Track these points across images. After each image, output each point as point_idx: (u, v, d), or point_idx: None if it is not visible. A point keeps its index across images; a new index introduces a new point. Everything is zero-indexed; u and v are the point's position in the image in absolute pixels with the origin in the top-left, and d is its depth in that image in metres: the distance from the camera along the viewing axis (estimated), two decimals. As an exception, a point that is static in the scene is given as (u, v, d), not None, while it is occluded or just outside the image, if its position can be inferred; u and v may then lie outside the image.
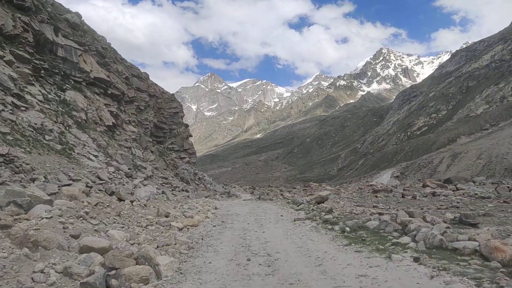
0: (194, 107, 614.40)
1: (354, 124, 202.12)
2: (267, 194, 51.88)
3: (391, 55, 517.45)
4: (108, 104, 30.19)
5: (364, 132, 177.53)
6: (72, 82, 28.32)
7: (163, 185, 27.54)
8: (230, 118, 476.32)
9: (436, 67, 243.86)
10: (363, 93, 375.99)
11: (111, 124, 27.99)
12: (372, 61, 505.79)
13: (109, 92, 32.07)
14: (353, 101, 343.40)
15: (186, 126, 57.42)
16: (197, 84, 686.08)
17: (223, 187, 48.75)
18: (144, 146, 33.24)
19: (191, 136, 57.70)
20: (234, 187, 68.50)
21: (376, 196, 28.82)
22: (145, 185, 21.14)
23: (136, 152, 29.97)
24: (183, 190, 28.54)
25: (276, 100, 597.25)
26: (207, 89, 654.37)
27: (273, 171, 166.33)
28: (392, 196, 29.04)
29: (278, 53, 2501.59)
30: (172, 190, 27.60)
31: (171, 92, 57.10)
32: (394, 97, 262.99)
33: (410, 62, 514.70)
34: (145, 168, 27.41)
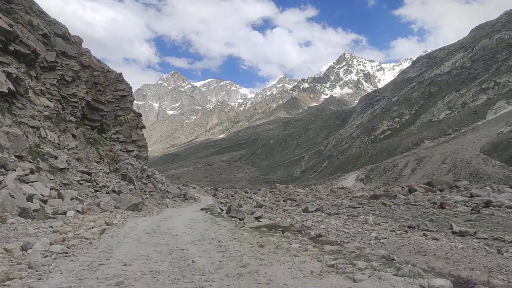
0: (156, 105, 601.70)
1: (317, 127, 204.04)
2: (232, 196, 44.35)
3: (354, 60, 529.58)
4: (5, 64, 20.84)
5: (328, 135, 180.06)
6: None
7: (80, 183, 19.00)
8: (193, 118, 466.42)
9: (398, 74, 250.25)
10: (326, 96, 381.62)
11: (6, 91, 18.68)
12: (335, 66, 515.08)
13: (11, 48, 22.61)
14: (316, 104, 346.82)
15: (138, 115, 48.34)
16: (159, 82, 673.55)
17: (178, 187, 40.24)
18: (62, 128, 24.07)
19: (143, 127, 48.76)
20: (194, 187, 60.09)
21: (385, 204, 21.76)
22: (27, 183, 12.72)
23: (47, 135, 20.90)
24: (114, 192, 20.00)
25: (240, 101, 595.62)
26: (170, 88, 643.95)
27: (236, 172, 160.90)
28: (406, 205, 21.29)
29: (242, 54, 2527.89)
30: (95, 191, 19.08)
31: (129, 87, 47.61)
32: (356, 101, 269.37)
33: (371, 68, 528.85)
34: (56, 158, 18.62)
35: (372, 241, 9.93)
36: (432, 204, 20.10)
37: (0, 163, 12.90)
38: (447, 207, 18.40)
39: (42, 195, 12.35)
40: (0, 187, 10.67)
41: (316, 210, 18.61)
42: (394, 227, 12.40)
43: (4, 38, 21.59)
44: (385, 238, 10.14)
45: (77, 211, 11.74)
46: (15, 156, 14.70)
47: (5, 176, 12.14)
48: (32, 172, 13.90)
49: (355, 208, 20.51)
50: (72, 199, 13.85)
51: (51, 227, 8.72)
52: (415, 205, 20.80)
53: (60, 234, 7.74)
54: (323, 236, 8.94)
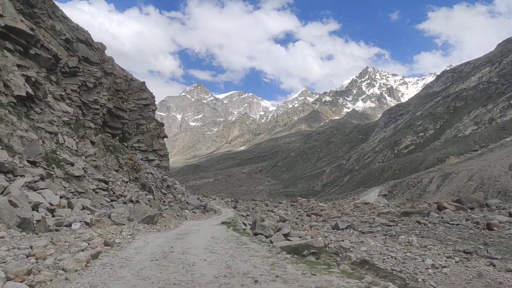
0: (179, 116, 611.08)
1: (339, 140, 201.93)
2: (253, 209, 43.00)
3: (377, 74, 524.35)
4: (25, 67, 20.35)
5: (350, 149, 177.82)
6: (-36, 26, 18.75)
7: (96, 192, 18.15)
8: (215, 129, 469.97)
9: (421, 88, 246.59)
10: (348, 110, 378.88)
11: (24, 95, 18.10)
12: (358, 79, 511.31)
13: (32, 52, 22.19)
14: (338, 117, 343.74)
15: (161, 124, 47.88)
16: (183, 94, 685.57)
17: (198, 198, 39.27)
18: (80, 134, 23.41)
19: (165, 136, 48.25)
20: (215, 199, 59.19)
21: (419, 223, 19.92)
22: (35, 190, 11.80)
23: (65, 141, 20.20)
24: (131, 201, 19.07)
25: (262, 113, 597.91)
26: (193, 99, 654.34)
27: (256, 184, 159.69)
28: (443, 224, 19.31)
29: (264, 67, 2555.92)
30: (111, 201, 18.16)
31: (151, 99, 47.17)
32: (379, 115, 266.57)
33: (395, 82, 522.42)
34: (72, 164, 17.86)
35: (429, 270, 8.21)
36: (474, 224, 18.13)
37: (8, 168, 12.09)
38: (495, 228, 16.36)
39: (50, 203, 11.36)
40: (3, 194, 9.79)
41: (347, 228, 17.09)
42: (448, 251, 10.69)
43: (25, 42, 21.24)
44: (445, 267, 8.42)
45: (85, 222, 10.50)
46: (28, 161, 13.93)
47: (12, 182, 11.33)
48: (42, 178, 13.03)
49: (390, 226, 18.72)
50: (83, 208, 12.78)
51: (31, 247, 6.82)
52: (454, 224, 18.87)
53: (36, 259, 5.98)
54: (369, 261, 7.46)
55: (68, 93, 25.14)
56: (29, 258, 6.15)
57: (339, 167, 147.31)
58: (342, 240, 12.04)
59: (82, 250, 7.05)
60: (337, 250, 9.29)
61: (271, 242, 9.69)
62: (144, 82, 45.47)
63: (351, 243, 11.45)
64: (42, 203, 10.96)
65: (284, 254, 7.28)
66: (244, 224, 14.34)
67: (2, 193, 9.98)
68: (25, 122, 17.33)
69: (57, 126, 20.31)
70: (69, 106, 23.83)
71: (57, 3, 29.90)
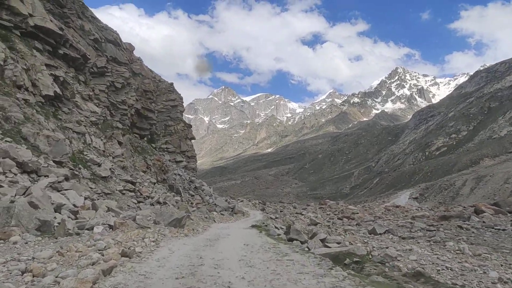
0: (206, 119, 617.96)
1: (368, 142, 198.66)
2: (281, 211, 42.20)
3: (407, 75, 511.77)
4: (53, 67, 20.28)
5: (379, 151, 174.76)
6: (-5, 26, 18.83)
7: (123, 193, 17.77)
8: (242, 131, 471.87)
9: (454, 88, 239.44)
10: (377, 111, 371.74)
11: (52, 94, 18.01)
12: (387, 80, 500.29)
13: (60, 52, 22.20)
14: (366, 119, 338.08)
15: (188, 126, 47.70)
16: (210, 96, 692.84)
17: (226, 200, 38.78)
18: (108, 135, 23.26)
19: (193, 138, 47.99)
20: (242, 201, 58.64)
21: (461, 227, 18.41)
22: (59, 191, 11.33)
23: (92, 141, 20.08)
24: (158, 203, 18.63)
25: (289, 115, 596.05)
26: (220, 102, 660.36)
27: (283, 186, 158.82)
28: (488, 229, 17.66)
29: (291, 69, 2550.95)
30: (138, 202, 17.76)
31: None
32: (409, 116, 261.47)
33: (425, 83, 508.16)
34: (99, 165, 17.60)
35: (498, 286, 7.03)
36: (527, 231, 16.63)
37: (32, 168, 11.74)
38: None
39: (74, 205, 10.86)
40: (25, 195, 9.36)
41: (385, 232, 15.92)
42: (510, 261, 9.48)
43: (54, 42, 21.27)
44: (517, 282, 7.31)
45: (109, 225, 9.80)
46: (54, 161, 13.63)
47: (35, 182, 10.96)
48: (66, 179, 12.62)
49: (431, 231, 17.31)
50: (107, 210, 12.18)
51: (34, 258, 5.58)
52: (500, 229, 17.35)
53: (33, 276, 4.73)
54: (424, 274, 6.41)
55: (96, 93, 25.16)
56: (24, 275, 4.93)
57: (368, 169, 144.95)
58: (387, 247, 10.87)
59: (93, 264, 5.77)
60: (382, 259, 8.25)
61: (308, 249, 8.67)
62: (172, 83, 45.44)
63: (397, 250, 10.28)
64: (65, 204, 10.44)
65: (340, 270, 5.92)
66: (277, 228, 13.29)
67: (24, 194, 9.58)
68: (53, 122, 17.21)
69: (84, 126, 20.18)
70: (97, 106, 23.81)
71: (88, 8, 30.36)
